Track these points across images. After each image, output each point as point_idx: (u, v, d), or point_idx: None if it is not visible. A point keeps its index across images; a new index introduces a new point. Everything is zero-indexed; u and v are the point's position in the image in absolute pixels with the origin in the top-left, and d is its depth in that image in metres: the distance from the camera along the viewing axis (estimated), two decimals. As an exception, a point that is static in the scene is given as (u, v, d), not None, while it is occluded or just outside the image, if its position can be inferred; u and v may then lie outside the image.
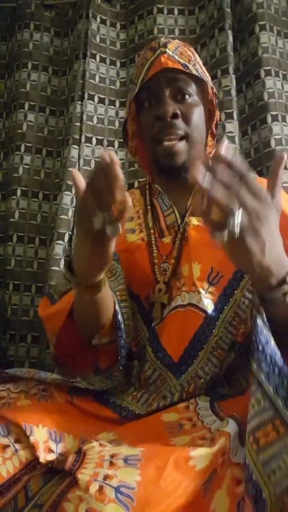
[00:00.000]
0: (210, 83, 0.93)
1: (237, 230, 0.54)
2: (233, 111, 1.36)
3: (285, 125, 1.35)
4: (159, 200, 0.94)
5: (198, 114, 0.89)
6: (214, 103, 0.95)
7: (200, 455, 0.53)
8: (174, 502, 0.50)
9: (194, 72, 0.88)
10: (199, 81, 0.90)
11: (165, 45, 0.89)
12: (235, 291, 0.79)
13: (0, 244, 1.50)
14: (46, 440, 0.60)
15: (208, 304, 0.78)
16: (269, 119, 1.34)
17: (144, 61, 0.92)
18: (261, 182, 0.86)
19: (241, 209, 0.54)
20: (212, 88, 0.93)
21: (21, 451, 0.58)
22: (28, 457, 0.58)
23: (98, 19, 1.54)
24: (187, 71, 0.88)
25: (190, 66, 0.88)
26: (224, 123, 1.36)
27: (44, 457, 0.57)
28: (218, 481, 0.52)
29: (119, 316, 0.79)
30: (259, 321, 0.61)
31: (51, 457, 0.58)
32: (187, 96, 0.88)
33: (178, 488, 0.50)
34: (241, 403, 0.60)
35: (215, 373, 0.75)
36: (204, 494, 0.51)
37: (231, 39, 1.41)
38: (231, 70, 1.38)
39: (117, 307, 0.80)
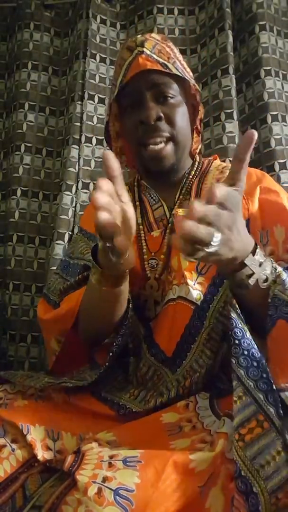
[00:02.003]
0: (192, 81, 0.90)
1: (213, 250, 0.54)
2: (233, 111, 1.35)
3: (285, 125, 1.34)
4: (147, 195, 0.93)
5: (181, 114, 0.88)
6: (198, 98, 0.93)
7: (200, 458, 0.53)
8: (173, 504, 0.50)
9: (174, 71, 0.86)
10: (180, 78, 0.88)
11: (142, 44, 0.86)
12: (225, 280, 0.76)
13: (0, 244, 1.50)
14: (43, 438, 0.60)
15: (197, 295, 0.76)
16: (269, 119, 1.33)
17: (121, 61, 0.88)
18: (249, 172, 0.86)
19: (219, 234, 0.54)
20: (194, 85, 0.91)
21: (18, 450, 0.58)
22: (25, 455, 0.58)
23: (98, 19, 1.54)
24: (167, 71, 0.85)
25: (170, 65, 0.85)
26: (224, 123, 1.35)
27: (42, 454, 0.57)
28: (213, 478, 0.52)
29: (130, 313, 0.77)
30: (233, 314, 0.63)
31: (48, 454, 0.58)
32: (169, 98, 0.86)
33: (177, 490, 0.50)
34: None
35: (209, 366, 0.73)
36: (200, 495, 0.51)
37: (231, 39, 1.41)
38: (231, 70, 1.38)
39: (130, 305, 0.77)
